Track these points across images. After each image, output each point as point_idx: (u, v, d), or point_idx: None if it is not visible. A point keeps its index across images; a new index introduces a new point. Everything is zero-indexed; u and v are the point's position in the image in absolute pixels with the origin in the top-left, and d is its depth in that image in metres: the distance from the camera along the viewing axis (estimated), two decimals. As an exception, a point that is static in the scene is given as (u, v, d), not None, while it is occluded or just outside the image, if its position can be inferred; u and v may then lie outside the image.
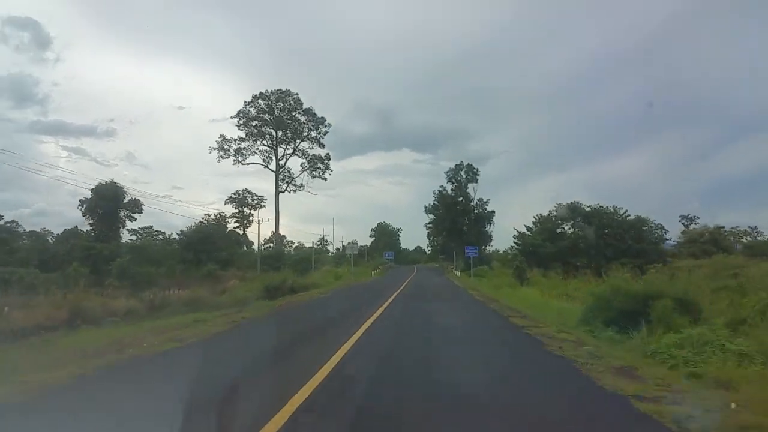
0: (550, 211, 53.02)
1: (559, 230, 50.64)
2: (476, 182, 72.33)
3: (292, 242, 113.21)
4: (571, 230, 49.81)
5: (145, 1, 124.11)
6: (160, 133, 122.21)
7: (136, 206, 62.77)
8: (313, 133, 76.72)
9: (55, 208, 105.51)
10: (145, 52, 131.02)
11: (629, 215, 46.91)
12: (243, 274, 48.93)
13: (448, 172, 73.47)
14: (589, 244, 43.53)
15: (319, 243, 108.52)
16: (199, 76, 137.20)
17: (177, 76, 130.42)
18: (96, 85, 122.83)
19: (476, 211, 72.50)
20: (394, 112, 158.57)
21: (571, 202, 51.03)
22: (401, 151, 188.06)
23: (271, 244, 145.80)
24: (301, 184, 77.52)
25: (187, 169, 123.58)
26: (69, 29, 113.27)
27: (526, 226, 53.91)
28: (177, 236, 65.38)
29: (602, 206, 48.92)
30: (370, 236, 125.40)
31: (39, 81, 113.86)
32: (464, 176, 72.79)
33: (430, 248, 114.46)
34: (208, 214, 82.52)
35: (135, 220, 63.86)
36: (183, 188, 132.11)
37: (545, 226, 50.79)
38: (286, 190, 77.83)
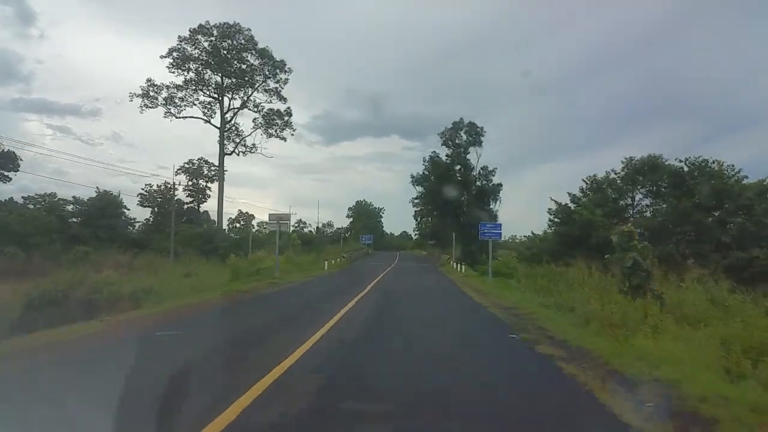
0: (607, 172, 37.37)
1: (625, 200, 34.70)
2: (480, 145, 56.22)
3: (263, 224, 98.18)
4: (648, 200, 33.84)
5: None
6: (146, 114, 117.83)
7: (9, 160, 45.36)
8: (271, 83, 60.02)
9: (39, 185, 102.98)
10: (132, 32, 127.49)
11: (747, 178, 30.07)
12: (130, 259, 32.40)
13: (443, 132, 57.22)
14: (698, 223, 26.74)
15: (296, 225, 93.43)
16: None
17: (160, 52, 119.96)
18: (82, 64, 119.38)
19: (478, 183, 56.50)
20: (385, 99, 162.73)
21: (650, 155, 34.73)
22: (390, 137, 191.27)
23: (238, 224, 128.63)
24: (253, 144, 61.05)
25: (174, 150, 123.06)
26: (54, 6, 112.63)
27: (570, 194, 38.32)
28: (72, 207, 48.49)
29: (704, 161, 31.60)
30: (347, 217, 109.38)
31: (23, 58, 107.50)
32: (465, 138, 56.62)
33: (417, 232, 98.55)
34: (149, 185, 65.76)
35: (9, 180, 46.44)
36: (168, 168, 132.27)
37: (605, 194, 34.86)
38: (234, 151, 61.29)
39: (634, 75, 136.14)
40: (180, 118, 59.19)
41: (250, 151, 61.23)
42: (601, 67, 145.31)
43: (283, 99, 60.08)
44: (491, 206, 56.78)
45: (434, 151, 57.71)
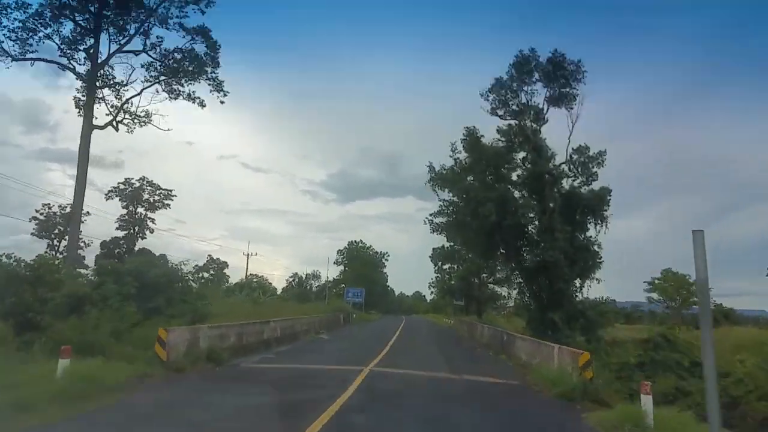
0: None
1: None
2: (571, 104, 28.99)
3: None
4: None
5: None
6: (169, 167, 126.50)
7: None
8: (174, 10, 33.47)
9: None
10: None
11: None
12: None
13: (494, 86, 30.12)
14: None
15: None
16: (208, 114, 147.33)
17: (187, 111, 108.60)
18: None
19: (565, 183, 29.00)
20: (400, 159, 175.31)
21: None
22: (405, 198, 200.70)
23: (207, 274, 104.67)
24: (146, 112, 34.86)
25: (193, 204, 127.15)
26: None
27: None
28: None
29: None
30: (336, 263, 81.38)
31: (51, 108, 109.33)
32: (543, 94, 29.63)
33: (435, 288, 70.61)
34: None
35: None
36: (186, 222, 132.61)
37: None
38: (112, 122, 34.55)
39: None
40: (25, 59, 32.48)
41: (140, 123, 34.66)
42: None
43: (204, 36, 33.40)
44: (589, 230, 28.93)
45: (471, 127, 30.48)
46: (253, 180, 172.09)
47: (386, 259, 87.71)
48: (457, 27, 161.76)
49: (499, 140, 30.46)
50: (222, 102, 34.68)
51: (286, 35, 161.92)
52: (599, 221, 28.61)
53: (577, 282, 28.86)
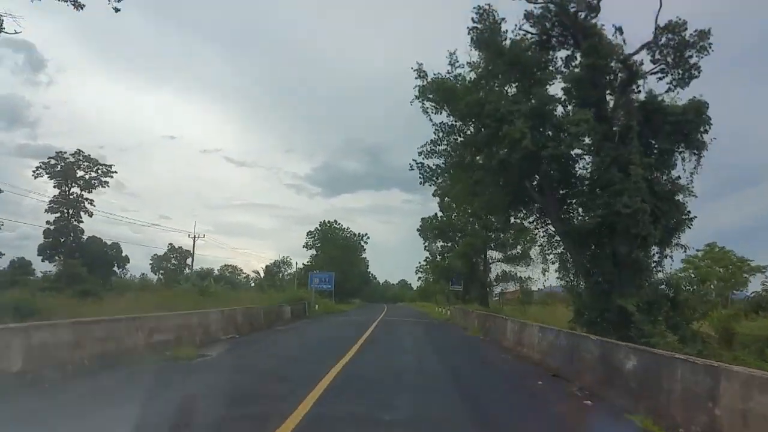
0: None
1: None
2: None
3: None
4: None
5: (137, 30, 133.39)
6: (150, 162, 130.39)
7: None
8: None
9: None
10: (136, 80, 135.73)
11: None
12: None
13: None
14: None
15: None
16: (191, 106, 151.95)
17: (168, 105, 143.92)
18: (87, 111, 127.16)
19: (645, 85, 17.85)
20: (385, 151, 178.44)
21: None
22: (390, 191, 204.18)
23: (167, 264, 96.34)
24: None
25: (176, 199, 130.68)
26: (63, 54, 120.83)
27: None
28: None
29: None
30: (306, 247, 69.75)
31: (31, 104, 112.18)
32: None
33: (422, 272, 59.87)
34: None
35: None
36: (171, 218, 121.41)
37: None
38: None
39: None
40: None
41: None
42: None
43: None
44: (675, 167, 18.09)
45: (486, 5, 19.09)
46: (238, 174, 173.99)
47: (365, 242, 76.56)
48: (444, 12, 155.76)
49: (529, 33, 19.31)
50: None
51: (266, 26, 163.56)
52: (694, 151, 17.75)
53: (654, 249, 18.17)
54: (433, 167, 21.41)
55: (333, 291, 41.85)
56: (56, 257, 65.85)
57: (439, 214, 37.73)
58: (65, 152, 60.44)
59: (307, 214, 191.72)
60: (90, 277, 54.94)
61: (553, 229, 19.87)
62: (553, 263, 19.32)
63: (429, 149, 21.34)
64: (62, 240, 75.43)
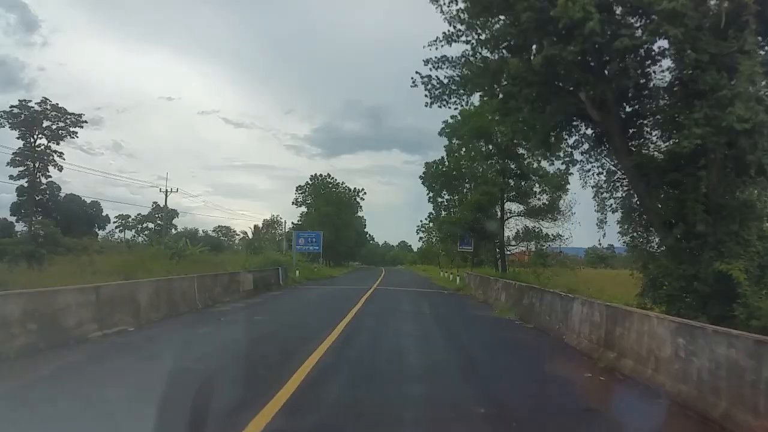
0: None
1: None
2: None
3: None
4: None
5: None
6: (148, 124, 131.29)
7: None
8: None
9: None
10: (132, 41, 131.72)
11: None
12: None
13: None
14: None
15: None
16: (188, 67, 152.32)
17: (166, 67, 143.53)
18: (83, 73, 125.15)
19: None
20: (386, 112, 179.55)
21: None
22: (391, 152, 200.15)
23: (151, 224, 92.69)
24: None
25: (174, 161, 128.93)
26: (57, 14, 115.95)
27: None
28: None
29: None
30: (296, 204, 63.74)
31: (25, 65, 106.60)
32: None
33: (423, 231, 54.40)
34: None
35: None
36: (170, 179, 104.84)
37: None
38: None
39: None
40: None
41: None
42: None
43: None
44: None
45: None
46: (236, 135, 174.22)
47: (362, 198, 70.59)
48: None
49: None
50: None
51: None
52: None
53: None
54: (445, 81, 15.51)
55: (321, 253, 36.56)
56: (35, 217, 60.25)
57: (445, 159, 31.98)
58: (29, 101, 54.79)
59: (306, 175, 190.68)
60: (67, 240, 50.52)
61: (613, 162, 14.22)
62: (613, 211, 13.77)
63: (438, 58, 15.37)
64: (37, 198, 70.90)
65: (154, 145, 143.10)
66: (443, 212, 39.62)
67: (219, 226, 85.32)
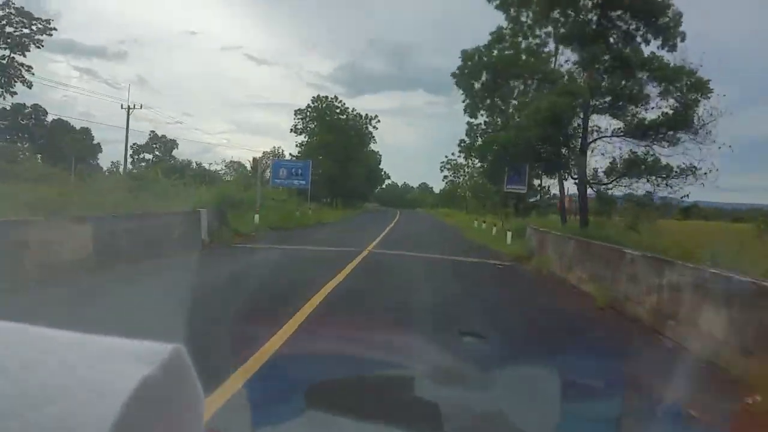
0: None
1: None
2: None
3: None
4: None
5: None
6: (171, 58, 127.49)
7: None
8: None
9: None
10: None
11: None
12: None
13: None
14: None
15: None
16: (211, 1, 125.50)
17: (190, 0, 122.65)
18: (106, 4, 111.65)
19: None
20: (410, 50, 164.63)
21: None
22: (416, 92, 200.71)
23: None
24: None
25: (198, 97, 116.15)
26: None
27: None
28: None
29: None
30: (295, 132, 51.91)
31: None
32: None
33: (449, 167, 43.24)
34: None
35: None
36: (193, 115, 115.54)
37: None
38: None
39: None
40: None
41: None
42: None
43: None
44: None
45: None
46: (258, 72, 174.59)
47: (374, 127, 58.19)
48: None
49: None
50: None
51: None
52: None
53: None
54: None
55: (309, 189, 25.95)
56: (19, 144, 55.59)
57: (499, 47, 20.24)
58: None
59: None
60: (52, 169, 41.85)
61: None
62: None
63: None
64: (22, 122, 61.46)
65: (177, 80, 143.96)
66: (479, 139, 28.45)
67: (231, 161, 76.58)
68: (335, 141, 45.82)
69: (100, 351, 0.29)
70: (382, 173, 75.15)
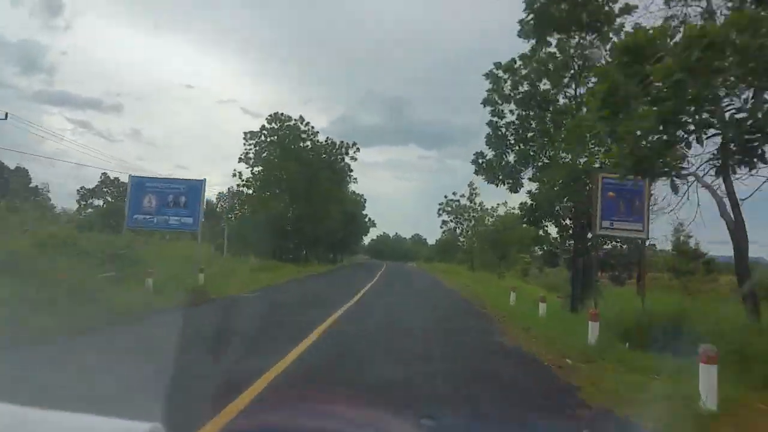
0: None
1: None
2: None
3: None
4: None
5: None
6: (167, 112, 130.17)
7: None
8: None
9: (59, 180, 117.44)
10: (154, 28, 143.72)
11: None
12: None
13: None
14: None
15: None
16: (208, 56, 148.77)
17: (186, 54, 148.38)
18: (104, 58, 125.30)
19: None
20: (404, 105, 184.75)
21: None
22: (407, 146, 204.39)
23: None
24: None
25: (193, 149, 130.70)
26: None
27: None
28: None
29: None
30: (241, 160, 38.84)
31: (48, 49, 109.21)
32: None
33: (452, 210, 31.64)
34: None
35: None
36: (188, 168, 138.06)
37: None
38: None
39: None
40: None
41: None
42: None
43: None
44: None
45: None
46: (255, 125, 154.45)
47: (352, 158, 46.43)
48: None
49: None
50: None
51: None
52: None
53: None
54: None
55: (200, 232, 13.81)
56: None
57: None
58: None
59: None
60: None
61: None
62: None
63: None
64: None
65: (173, 132, 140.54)
66: (508, 153, 16.77)
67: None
68: (299, 173, 33.88)
69: (79, 431, 0.25)
70: (367, 220, 63.03)
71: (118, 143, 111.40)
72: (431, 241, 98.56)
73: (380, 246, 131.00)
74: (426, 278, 35.10)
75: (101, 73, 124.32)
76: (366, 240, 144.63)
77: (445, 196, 43.24)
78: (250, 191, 37.04)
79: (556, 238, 18.23)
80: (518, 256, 31.12)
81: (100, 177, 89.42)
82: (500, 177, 17.11)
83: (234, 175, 37.24)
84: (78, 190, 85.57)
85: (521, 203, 18.17)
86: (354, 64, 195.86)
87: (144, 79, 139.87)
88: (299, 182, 35.39)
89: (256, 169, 37.10)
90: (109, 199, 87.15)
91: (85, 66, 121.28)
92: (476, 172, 17.48)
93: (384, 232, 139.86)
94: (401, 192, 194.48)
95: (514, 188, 17.47)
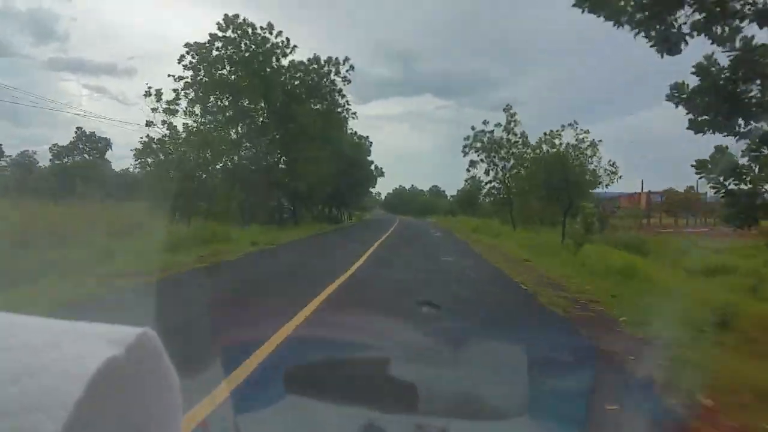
0: None
1: None
2: None
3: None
4: None
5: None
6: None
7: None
8: None
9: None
10: None
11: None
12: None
13: None
14: None
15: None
16: (218, 12, 61.92)
17: (196, 12, 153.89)
18: (115, 22, 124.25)
19: None
20: (417, 55, 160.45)
21: None
22: (423, 96, 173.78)
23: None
24: None
25: None
26: None
27: None
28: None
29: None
30: (177, 81, 27.59)
31: (58, 17, 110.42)
32: None
33: (480, 146, 21.94)
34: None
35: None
36: None
37: None
38: None
39: None
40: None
41: None
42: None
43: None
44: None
45: None
46: None
47: (346, 79, 32.49)
48: None
49: None
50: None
51: None
52: None
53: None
54: None
55: None
56: None
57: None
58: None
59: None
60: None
61: None
62: None
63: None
64: None
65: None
66: None
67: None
68: (268, 96, 23.50)
69: (66, 334, 0.34)
70: (374, 168, 52.52)
71: (133, 106, 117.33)
72: (451, 191, 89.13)
73: (396, 200, 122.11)
74: (454, 250, 22.61)
75: (113, 37, 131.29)
76: (383, 193, 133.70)
77: (473, 127, 32.34)
78: (191, 122, 25.01)
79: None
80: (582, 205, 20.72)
81: (75, 131, 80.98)
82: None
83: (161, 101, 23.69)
84: (51, 148, 76.26)
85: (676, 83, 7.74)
86: (364, 15, 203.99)
87: (156, 41, 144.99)
88: (270, 115, 24.99)
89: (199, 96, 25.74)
90: (86, 156, 77.73)
91: (96, 31, 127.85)
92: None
93: (401, 185, 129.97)
94: (419, 143, 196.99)
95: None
